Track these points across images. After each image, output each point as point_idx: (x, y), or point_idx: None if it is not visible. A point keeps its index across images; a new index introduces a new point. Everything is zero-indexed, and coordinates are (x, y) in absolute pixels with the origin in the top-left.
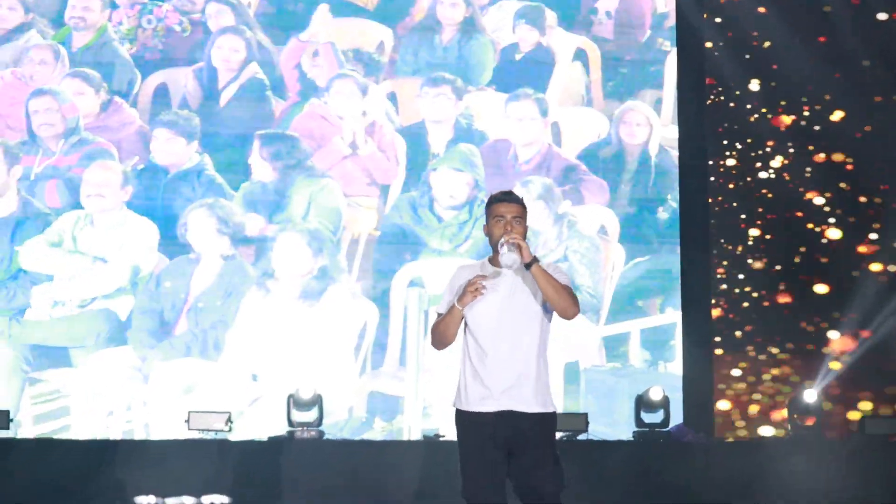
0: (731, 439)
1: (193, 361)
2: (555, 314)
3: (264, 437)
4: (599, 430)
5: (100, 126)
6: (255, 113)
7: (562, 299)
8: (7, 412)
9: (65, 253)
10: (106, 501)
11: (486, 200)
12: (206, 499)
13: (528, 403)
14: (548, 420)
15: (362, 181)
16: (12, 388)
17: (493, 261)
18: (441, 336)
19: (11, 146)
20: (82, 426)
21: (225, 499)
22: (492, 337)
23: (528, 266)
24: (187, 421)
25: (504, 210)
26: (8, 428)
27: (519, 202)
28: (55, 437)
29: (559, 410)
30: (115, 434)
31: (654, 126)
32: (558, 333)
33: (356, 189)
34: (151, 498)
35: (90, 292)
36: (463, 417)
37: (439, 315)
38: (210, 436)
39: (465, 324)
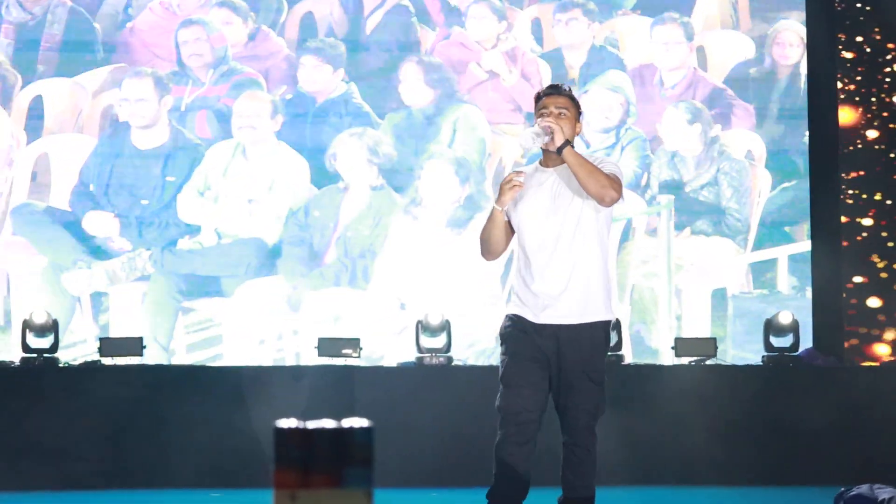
0: (862, 363)
1: (343, 290)
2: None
3: (394, 364)
4: (745, 356)
5: (247, 56)
6: (400, 40)
7: (594, 180)
8: (140, 339)
9: (213, 201)
10: (241, 426)
11: (631, 126)
12: (346, 422)
13: (570, 314)
14: (588, 330)
15: (506, 108)
16: (166, 318)
17: (543, 162)
18: (485, 243)
19: (162, 77)
20: (234, 354)
21: (365, 421)
22: (537, 241)
23: (559, 150)
24: (317, 347)
25: (549, 102)
26: (141, 354)
27: (566, 94)
28: (206, 364)
29: (704, 335)
30: (266, 362)
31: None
32: (704, 259)
33: (500, 116)
34: (293, 421)
35: (242, 223)
36: (507, 322)
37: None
38: (341, 362)
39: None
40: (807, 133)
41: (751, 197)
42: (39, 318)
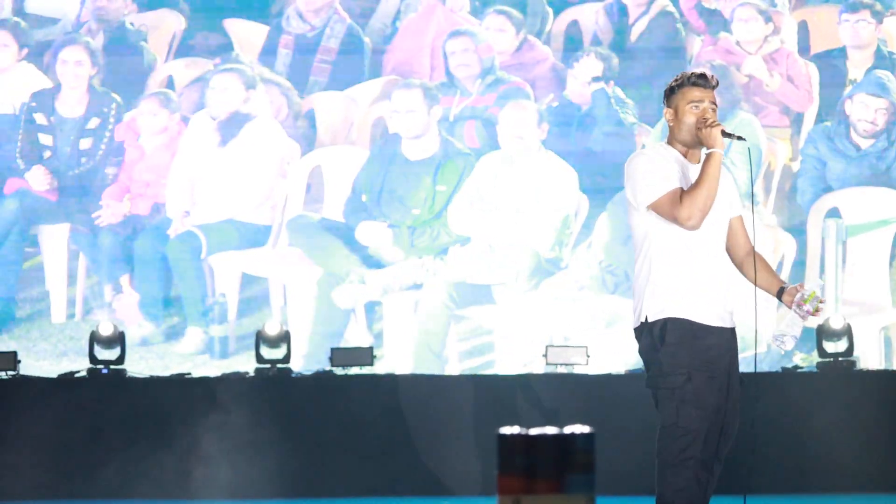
0: None
1: (615, 298)
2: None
3: (622, 371)
4: None
5: (514, 65)
6: (665, 47)
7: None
8: (371, 349)
9: (483, 212)
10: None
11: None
12: (568, 428)
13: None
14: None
15: (772, 110)
16: (438, 326)
17: (688, 155)
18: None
19: (430, 88)
20: (506, 362)
21: (586, 427)
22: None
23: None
24: (545, 355)
25: (704, 95)
26: (372, 364)
27: (715, 87)
28: (479, 373)
29: None
30: (537, 369)
31: None
32: None
33: (766, 119)
34: (516, 428)
35: (512, 231)
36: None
37: (668, 192)
38: (567, 370)
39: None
40: None
41: None
42: (106, 331)
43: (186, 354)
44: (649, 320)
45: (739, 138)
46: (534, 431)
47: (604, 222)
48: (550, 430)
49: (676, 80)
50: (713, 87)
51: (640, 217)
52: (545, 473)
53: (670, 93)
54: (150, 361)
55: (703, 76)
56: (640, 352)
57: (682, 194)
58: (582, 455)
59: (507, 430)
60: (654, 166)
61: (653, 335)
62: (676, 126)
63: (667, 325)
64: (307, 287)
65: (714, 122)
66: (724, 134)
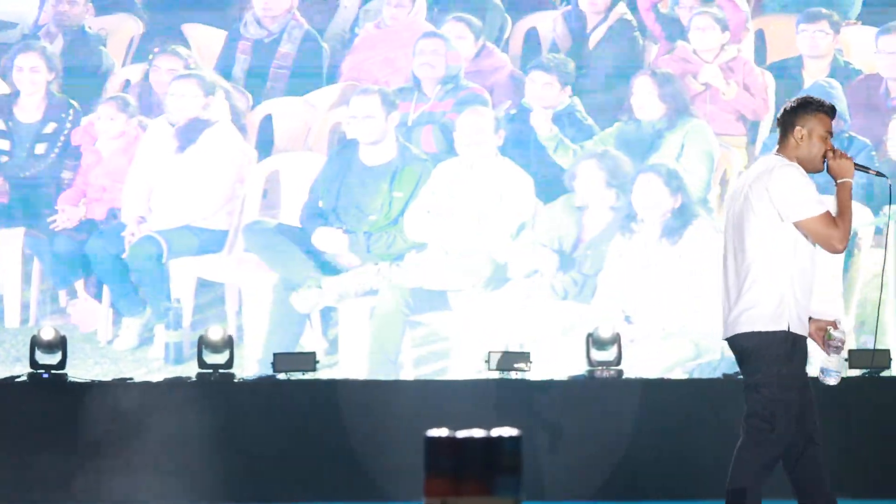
0: None
1: (567, 304)
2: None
3: (564, 377)
4: None
5: (472, 71)
6: (624, 54)
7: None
8: (313, 354)
9: (439, 218)
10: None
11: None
12: (495, 431)
13: None
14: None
15: (728, 118)
16: (394, 332)
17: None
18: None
19: (388, 93)
20: (460, 368)
21: (513, 430)
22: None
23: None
24: (487, 361)
25: (830, 127)
26: (315, 370)
27: None
28: (434, 378)
29: None
30: (492, 374)
31: None
32: None
33: (719, 127)
34: (443, 430)
35: (469, 238)
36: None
37: (824, 213)
38: (512, 375)
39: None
40: None
41: None
42: (47, 335)
43: (143, 359)
44: (791, 330)
45: (879, 174)
46: (461, 434)
47: (556, 227)
48: (477, 432)
49: (814, 104)
50: None
51: (777, 227)
52: (472, 475)
53: (803, 112)
54: (104, 367)
55: (834, 109)
56: (764, 355)
57: (834, 219)
58: (509, 458)
59: (434, 432)
60: (808, 184)
61: (794, 346)
62: (805, 147)
63: (799, 338)
64: (263, 292)
65: (844, 153)
66: (857, 166)
